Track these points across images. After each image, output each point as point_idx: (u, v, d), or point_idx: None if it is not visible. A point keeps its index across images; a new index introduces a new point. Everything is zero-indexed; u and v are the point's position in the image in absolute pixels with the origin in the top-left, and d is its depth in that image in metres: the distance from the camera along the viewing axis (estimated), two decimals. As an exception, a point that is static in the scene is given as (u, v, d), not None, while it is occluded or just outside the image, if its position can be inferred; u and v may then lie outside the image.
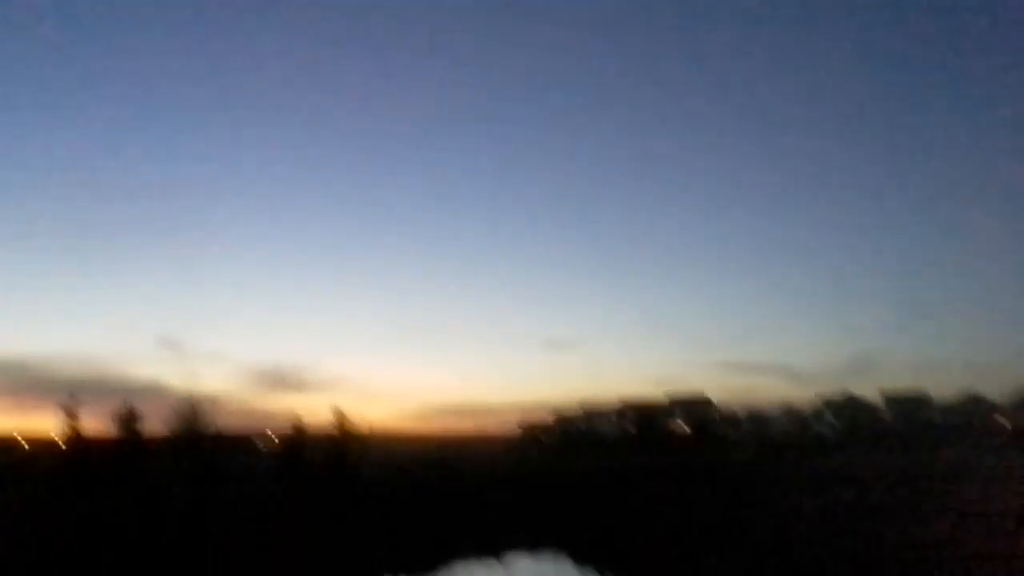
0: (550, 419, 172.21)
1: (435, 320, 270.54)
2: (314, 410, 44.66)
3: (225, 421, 40.02)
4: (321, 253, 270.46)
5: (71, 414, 33.59)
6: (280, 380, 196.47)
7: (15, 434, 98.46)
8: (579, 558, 28.15)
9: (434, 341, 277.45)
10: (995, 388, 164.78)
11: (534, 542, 31.84)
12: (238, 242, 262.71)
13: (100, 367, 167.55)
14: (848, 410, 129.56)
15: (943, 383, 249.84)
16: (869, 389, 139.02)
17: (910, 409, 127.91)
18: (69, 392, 36.62)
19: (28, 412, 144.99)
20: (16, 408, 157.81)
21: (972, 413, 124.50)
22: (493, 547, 30.28)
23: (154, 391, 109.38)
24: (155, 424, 38.20)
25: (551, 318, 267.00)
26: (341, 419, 42.64)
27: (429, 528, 31.99)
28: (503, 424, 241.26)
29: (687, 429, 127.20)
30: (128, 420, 34.87)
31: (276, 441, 69.51)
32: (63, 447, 34.56)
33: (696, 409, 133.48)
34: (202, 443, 36.11)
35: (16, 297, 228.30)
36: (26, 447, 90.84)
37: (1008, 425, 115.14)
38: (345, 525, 29.22)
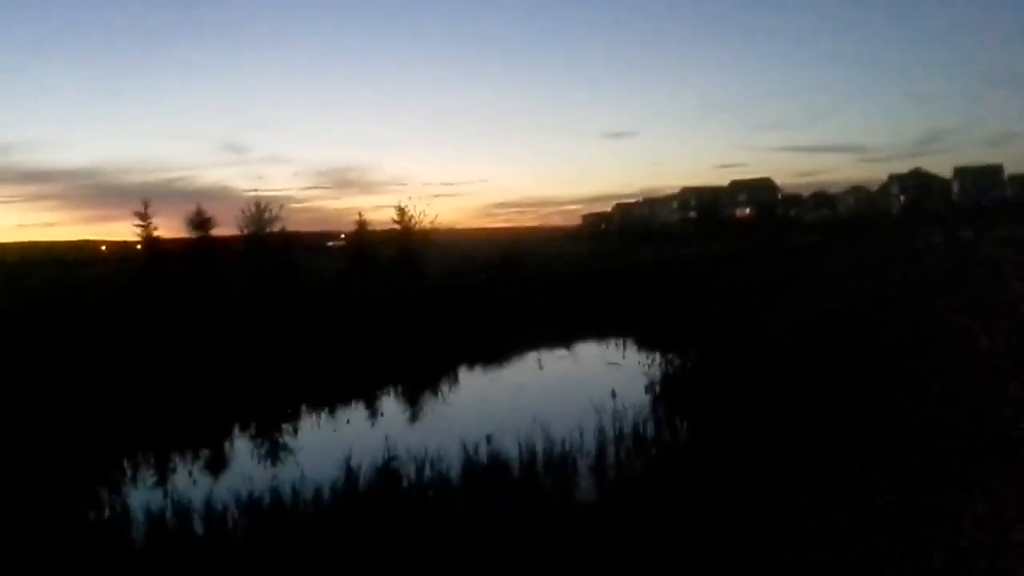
0: (611, 209, 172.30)
1: (495, 116, 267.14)
2: (379, 209, 45.03)
3: (292, 222, 40.75)
4: (384, 51, 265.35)
5: (144, 219, 34.58)
6: (345, 180, 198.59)
7: (93, 239, 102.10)
8: (645, 343, 28.66)
9: (495, 137, 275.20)
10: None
11: (600, 330, 32.43)
12: (300, 43, 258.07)
13: (169, 173, 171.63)
14: (917, 186, 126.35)
15: (1018, 157, 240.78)
16: (942, 166, 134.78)
17: (982, 184, 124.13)
18: (142, 198, 37.69)
19: (105, 219, 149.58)
20: (93, 216, 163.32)
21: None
22: (561, 336, 30.98)
23: (221, 195, 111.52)
24: (224, 227, 39.33)
25: (610, 108, 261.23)
26: (404, 216, 42.97)
27: (497, 318, 32.72)
28: (566, 217, 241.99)
29: (750, 214, 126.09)
30: (200, 223, 35.70)
31: (343, 240, 70.72)
32: (139, 250, 35.82)
33: (760, 193, 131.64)
34: (271, 243, 36.96)
35: (87, 108, 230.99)
36: (104, 251, 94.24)
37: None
38: (413, 317, 30.04)
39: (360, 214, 43.88)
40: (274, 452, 17.13)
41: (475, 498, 11.73)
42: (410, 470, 12.79)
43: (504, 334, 30.64)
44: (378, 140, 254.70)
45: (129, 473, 15.36)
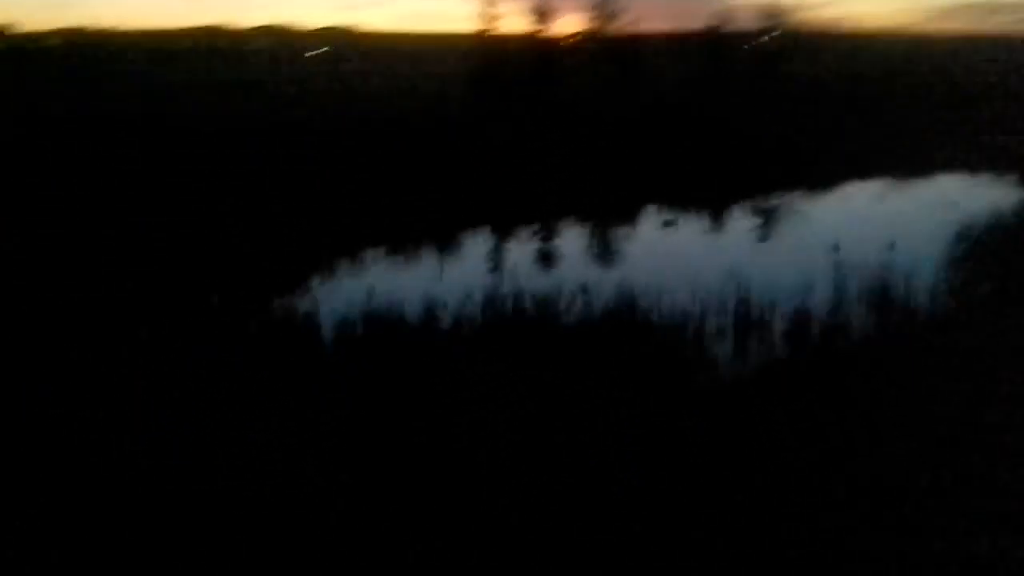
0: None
1: None
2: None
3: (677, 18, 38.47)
4: None
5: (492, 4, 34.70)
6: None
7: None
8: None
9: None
10: None
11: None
12: None
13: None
14: None
15: None
16: None
17: None
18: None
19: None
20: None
21: None
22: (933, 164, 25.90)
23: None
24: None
25: None
26: (774, 11, 37.56)
27: (862, 136, 28.48)
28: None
29: None
30: (541, 14, 34.86)
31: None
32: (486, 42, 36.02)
33: None
34: (611, 41, 34.75)
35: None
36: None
37: None
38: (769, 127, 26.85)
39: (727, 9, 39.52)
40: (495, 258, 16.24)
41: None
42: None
43: (857, 156, 26.46)
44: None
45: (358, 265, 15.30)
